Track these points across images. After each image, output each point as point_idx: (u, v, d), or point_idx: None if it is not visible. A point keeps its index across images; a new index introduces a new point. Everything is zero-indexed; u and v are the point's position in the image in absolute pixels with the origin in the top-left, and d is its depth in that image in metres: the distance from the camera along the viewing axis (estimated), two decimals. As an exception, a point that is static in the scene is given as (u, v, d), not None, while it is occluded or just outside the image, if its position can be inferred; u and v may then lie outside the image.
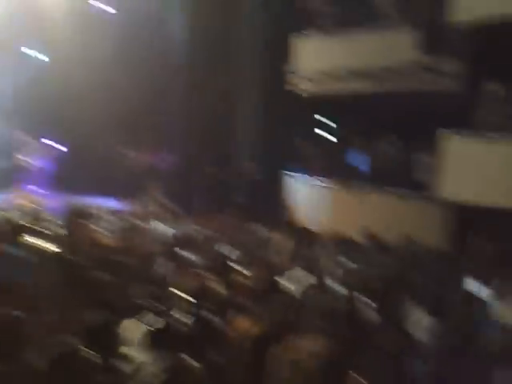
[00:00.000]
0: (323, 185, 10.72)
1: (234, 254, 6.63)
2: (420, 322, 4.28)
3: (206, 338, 3.07)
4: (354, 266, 6.94)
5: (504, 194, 7.64)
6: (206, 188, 11.83)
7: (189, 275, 4.54)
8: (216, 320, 3.39)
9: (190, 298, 3.71)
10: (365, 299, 4.69)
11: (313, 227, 10.00)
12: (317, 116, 12.72)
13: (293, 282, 5.52)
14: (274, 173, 11.71)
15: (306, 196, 10.97)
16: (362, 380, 2.75)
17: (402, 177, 9.59)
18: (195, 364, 2.51)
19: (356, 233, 8.93)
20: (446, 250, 8.05)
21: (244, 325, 3.27)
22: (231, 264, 5.72)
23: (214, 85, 12.37)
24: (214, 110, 12.50)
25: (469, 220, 8.04)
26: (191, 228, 8.50)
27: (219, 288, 4.86)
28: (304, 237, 9.01)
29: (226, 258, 6.06)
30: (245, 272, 6.12)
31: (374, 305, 4.55)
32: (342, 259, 7.36)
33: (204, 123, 12.62)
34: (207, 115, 12.52)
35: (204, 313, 3.42)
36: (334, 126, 12.78)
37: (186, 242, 6.85)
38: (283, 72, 11.63)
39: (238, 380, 2.89)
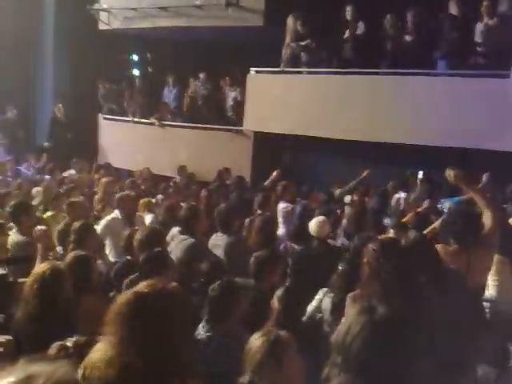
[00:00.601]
0: (138, 124, 10.52)
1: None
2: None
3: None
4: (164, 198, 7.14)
5: (304, 124, 8.28)
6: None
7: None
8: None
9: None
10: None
11: (130, 167, 9.90)
12: (128, 54, 12.32)
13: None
14: (86, 114, 11.13)
15: (121, 136, 10.68)
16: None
17: (214, 112, 9.84)
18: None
19: (172, 169, 9.06)
20: (251, 175, 8.68)
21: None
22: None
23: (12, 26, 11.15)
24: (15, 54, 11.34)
25: (268, 148, 8.68)
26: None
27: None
28: (120, 177, 8.91)
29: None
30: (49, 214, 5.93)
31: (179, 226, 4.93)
32: (158, 195, 7.51)
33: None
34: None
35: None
36: (146, 63, 12.52)
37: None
38: (90, 10, 10.84)
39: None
